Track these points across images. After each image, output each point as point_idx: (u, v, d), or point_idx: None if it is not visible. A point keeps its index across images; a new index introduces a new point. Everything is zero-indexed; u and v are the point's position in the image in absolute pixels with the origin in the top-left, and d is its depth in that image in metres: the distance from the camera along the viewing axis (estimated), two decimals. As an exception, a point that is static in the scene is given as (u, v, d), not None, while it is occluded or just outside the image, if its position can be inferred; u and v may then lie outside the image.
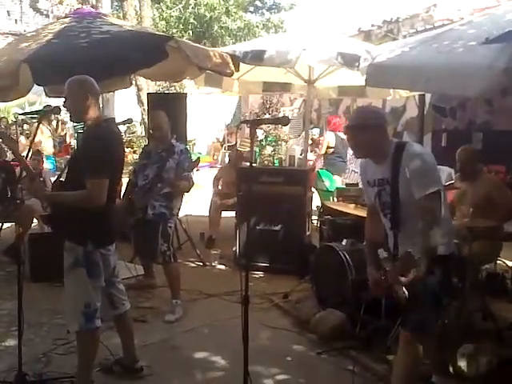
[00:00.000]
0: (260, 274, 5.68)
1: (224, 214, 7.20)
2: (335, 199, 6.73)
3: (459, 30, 4.37)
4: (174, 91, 14.23)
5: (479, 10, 7.88)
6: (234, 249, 6.06)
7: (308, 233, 6.02)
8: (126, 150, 14.29)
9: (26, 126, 15.02)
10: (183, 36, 16.28)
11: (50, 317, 4.40)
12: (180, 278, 4.73)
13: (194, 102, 12.17)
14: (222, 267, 6.06)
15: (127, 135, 15.85)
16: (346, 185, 7.56)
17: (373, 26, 11.29)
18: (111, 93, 12.11)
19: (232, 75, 5.66)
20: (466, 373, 3.41)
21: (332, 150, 8.19)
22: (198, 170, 5.67)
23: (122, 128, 15.00)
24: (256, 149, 12.30)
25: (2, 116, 14.01)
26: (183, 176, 4.63)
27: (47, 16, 18.41)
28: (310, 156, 9.91)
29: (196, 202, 8.20)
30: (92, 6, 12.14)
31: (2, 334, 4.10)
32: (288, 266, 5.62)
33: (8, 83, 4.43)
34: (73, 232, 3.09)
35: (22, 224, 4.98)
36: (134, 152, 14.01)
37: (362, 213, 5.04)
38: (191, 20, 18.32)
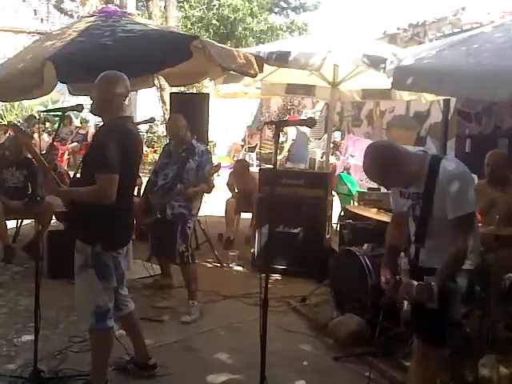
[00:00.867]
0: (278, 276, 5.63)
1: (243, 215, 7.18)
2: (356, 203, 6.67)
3: (489, 32, 4.29)
4: (196, 92, 14.26)
5: (510, 13, 7.74)
6: (252, 250, 6.03)
7: (328, 236, 5.97)
8: (147, 149, 14.38)
9: (48, 124, 15.17)
10: (205, 36, 16.35)
11: (66, 314, 4.41)
12: (197, 278, 4.71)
13: (215, 103, 12.21)
14: (240, 269, 6.04)
15: (148, 134, 15.92)
16: (368, 189, 7.47)
17: (398, 29, 11.19)
18: (134, 92, 12.18)
19: (256, 76, 5.63)
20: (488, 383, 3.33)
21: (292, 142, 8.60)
22: (218, 175, 5.64)
23: (144, 127, 15.08)
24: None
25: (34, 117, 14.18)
26: (203, 178, 4.61)
27: (71, 16, 18.61)
28: (331, 159, 9.85)
29: (215, 203, 8.18)
30: (117, 6, 12.24)
31: (19, 330, 4.12)
32: (307, 270, 5.56)
33: (33, 81, 4.46)
34: (84, 232, 3.06)
35: (42, 221, 5.01)
36: (155, 152, 14.07)
37: (384, 217, 4.98)
38: (213, 21, 18.35)
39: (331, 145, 9.08)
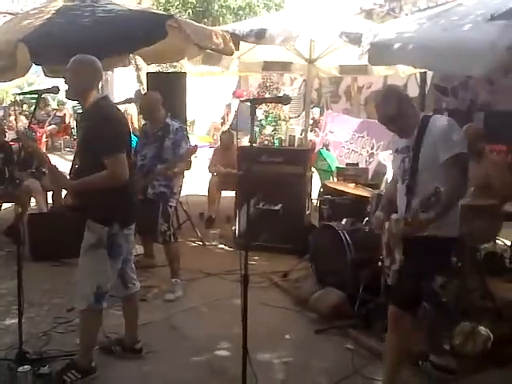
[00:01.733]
0: (260, 253, 5.69)
1: (224, 193, 7.21)
2: (335, 179, 6.73)
3: (467, 5, 4.28)
4: (174, 71, 14.10)
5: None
6: (233, 228, 6.08)
7: (308, 212, 6.03)
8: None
9: (25, 107, 14.94)
10: (183, 15, 16.10)
11: (50, 296, 4.42)
12: (180, 257, 4.75)
13: (193, 82, 12.10)
14: (222, 247, 6.08)
15: (126, 115, 15.73)
16: (347, 164, 7.55)
17: (375, 4, 11.18)
18: (110, 72, 12.04)
19: (232, 54, 5.63)
20: (463, 351, 3.44)
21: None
22: (195, 156, 5.62)
23: (121, 107, 14.89)
24: (256, 129, 12.25)
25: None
26: (180, 156, 4.60)
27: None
28: (311, 136, 9.90)
29: (195, 182, 8.19)
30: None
31: (3, 313, 4.12)
32: (288, 246, 5.63)
33: (6, 63, 4.39)
34: (99, 213, 3.07)
35: (21, 204, 4.98)
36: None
37: (362, 192, 5.06)
38: (190, -1, 18.04)
39: (310, 121, 9.12)
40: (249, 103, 2.64)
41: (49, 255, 5.24)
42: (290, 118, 13.37)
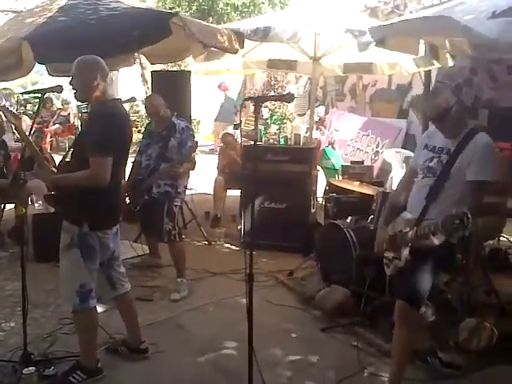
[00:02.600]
0: (265, 252, 5.69)
1: (229, 192, 7.21)
2: (340, 177, 6.72)
3: (468, 3, 4.28)
4: (178, 70, 14.11)
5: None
6: (239, 227, 6.08)
7: (313, 210, 6.03)
8: (131, 129, 14.27)
9: (29, 106, 14.97)
10: (188, 13, 16.09)
11: (55, 297, 4.40)
12: (185, 256, 4.75)
13: (198, 81, 12.10)
14: (228, 246, 6.08)
15: (131, 114, 15.76)
16: (352, 162, 7.54)
17: (379, 1, 11.13)
18: (115, 71, 12.03)
19: (237, 52, 5.62)
20: (469, 347, 3.44)
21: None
22: (196, 153, 5.62)
23: (126, 107, 14.91)
24: (261, 127, 12.23)
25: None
26: (186, 156, 4.60)
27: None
28: (316, 134, 9.88)
29: (201, 182, 8.21)
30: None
31: (8, 315, 4.13)
32: (293, 244, 5.62)
33: (11, 62, 4.39)
34: (70, 211, 3.07)
35: (24, 204, 4.96)
36: (139, 131, 13.95)
37: (367, 190, 5.05)
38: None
39: (316, 118, 9.10)
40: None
41: (53, 256, 5.18)
42: (297, 116, 13.34)
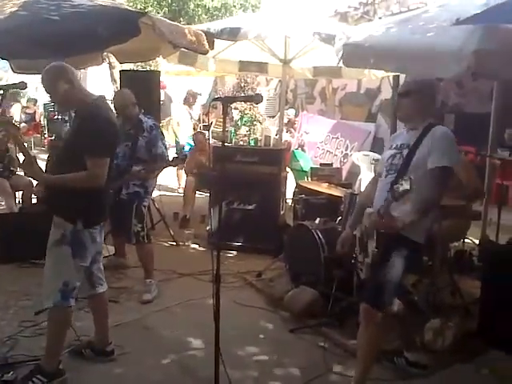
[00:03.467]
0: (234, 253, 5.68)
1: (199, 193, 7.18)
2: (309, 179, 6.77)
3: (435, 11, 4.38)
4: (148, 70, 14.00)
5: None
6: (207, 228, 6.05)
7: (282, 212, 6.04)
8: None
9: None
10: (159, 14, 15.99)
11: (17, 299, 4.30)
12: (153, 258, 4.70)
13: (168, 82, 12.03)
14: (196, 247, 6.04)
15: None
16: (321, 165, 7.60)
17: (349, 7, 11.27)
18: (83, 70, 11.86)
19: (207, 53, 5.61)
20: (434, 346, 3.51)
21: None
22: (181, 168, 5.52)
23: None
24: (231, 129, 12.23)
25: None
26: (157, 158, 4.55)
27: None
28: (286, 136, 9.93)
29: (168, 181, 8.16)
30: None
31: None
32: (262, 245, 5.63)
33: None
34: (64, 208, 3.04)
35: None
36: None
37: (335, 192, 5.10)
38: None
39: (285, 120, 9.15)
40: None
41: (17, 257, 5.08)
42: (268, 118, 13.38)
